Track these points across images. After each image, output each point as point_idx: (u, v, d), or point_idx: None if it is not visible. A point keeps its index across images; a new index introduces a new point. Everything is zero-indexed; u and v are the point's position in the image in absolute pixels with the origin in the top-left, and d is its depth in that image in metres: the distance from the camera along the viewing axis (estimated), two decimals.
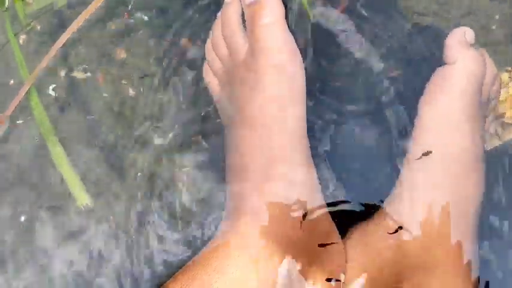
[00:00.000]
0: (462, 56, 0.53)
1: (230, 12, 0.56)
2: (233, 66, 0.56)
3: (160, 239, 0.62)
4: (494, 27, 0.65)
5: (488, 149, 0.62)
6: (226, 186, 0.56)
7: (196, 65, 0.64)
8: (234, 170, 0.55)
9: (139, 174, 0.63)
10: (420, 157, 0.53)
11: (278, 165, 0.52)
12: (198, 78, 0.64)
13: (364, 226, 0.56)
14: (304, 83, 0.53)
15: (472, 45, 0.55)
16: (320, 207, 0.54)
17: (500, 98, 0.63)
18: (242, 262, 0.49)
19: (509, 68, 0.64)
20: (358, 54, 0.65)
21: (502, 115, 0.64)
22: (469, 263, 0.51)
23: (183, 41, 0.65)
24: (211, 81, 0.60)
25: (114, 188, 0.63)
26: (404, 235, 0.52)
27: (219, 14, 0.58)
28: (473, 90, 0.53)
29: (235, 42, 0.55)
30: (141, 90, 0.65)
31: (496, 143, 0.63)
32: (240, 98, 0.54)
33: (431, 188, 0.52)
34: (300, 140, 0.53)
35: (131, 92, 0.65)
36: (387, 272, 0.52)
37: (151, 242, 0.61)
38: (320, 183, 0.55)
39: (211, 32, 0.60)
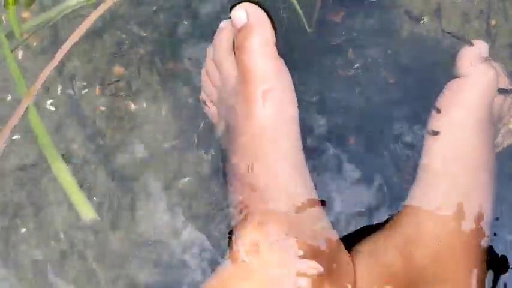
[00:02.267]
0: (475, 70, 0.53)
1: (221, 40, 0.55)
2: (225, 94, 0.55)
3: None
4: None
5: None
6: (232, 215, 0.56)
7: (191, 79, 0.64)
8: (234, 196, 0.55)
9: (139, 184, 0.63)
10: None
11: (275, 195, 0.51)
12: (193, 92, 0.65)
13: (373, 239, 0.56)
14: (296, 107, 0.53)
15: (485, 59, 0.55)
16: (325, 228, 0.54)
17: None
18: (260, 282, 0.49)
19: None
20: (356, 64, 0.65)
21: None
22: (479, 277, 0.51)
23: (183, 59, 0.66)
24: (208, 107, 0.60)
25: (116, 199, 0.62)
26: (415, 247, 0.52)
27: (213, 40, 0.58)
28: (486, 104, 0.53)
29: (226, 70, 0.54)
30: (144, 105, 0.65)
31: (497, 148, 0.64)
32: (234, 127, 0.54)
33: (442, 202, 0.52)
34: (297, 167, 0.53)
35: (131, 105, 0.65)
36: (396, 284, 0.52)
37: None
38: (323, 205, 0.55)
39: (206, 58, 0.59)
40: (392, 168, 0.63)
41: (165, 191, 0.63)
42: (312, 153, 0.62)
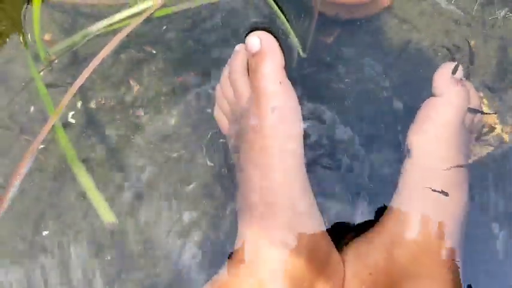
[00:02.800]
0: (448, 90, 0.59)
1: (237, 61, 0.62)
2: (238, 109, 0.62)
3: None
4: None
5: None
6: (238, 221, 0.62)
7: (199, 93, 0.72)
8: (242, 209, 0.61)
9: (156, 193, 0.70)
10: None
11: (280, 204, 0.57)
12: (200, 105, 0.72)
13: (360, 240, 0.62)
14: (301, 125, 0.59)
15: (459, 79, 0.61)
16: (321, 232, 0.60)
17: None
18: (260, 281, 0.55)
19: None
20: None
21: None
22: (455, 272, 0.57)
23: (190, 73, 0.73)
24: (221, 119, 0.67)
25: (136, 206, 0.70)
26: (397, 248, 0.59)
27: (229, 61, 0.64)
28: (458, 121, 0.59)
29: (240, 89, 0.61)
30: (154, 116, 0.72)
31: (472, 159, 0.70)
32: (245, 139, 0.60)
33: (421, 207, 0.59)
34: (299, 176, 0.58)
35: (143, 117, 0.72)
36: (382, 281, 0.58)
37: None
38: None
39: (221, 76, 0.66)
40: (382, 175, 0.70)
41: (172, 197, 0.70)
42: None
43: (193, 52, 0.73)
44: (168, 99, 0.72)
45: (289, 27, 0.66)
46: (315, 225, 0.59)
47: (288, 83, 0.59)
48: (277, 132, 0.57)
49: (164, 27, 0.74)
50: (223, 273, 0.58)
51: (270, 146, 0.57)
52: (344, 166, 0.70)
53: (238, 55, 0.62)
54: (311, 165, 0.69)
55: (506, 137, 0.70)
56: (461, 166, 0.60)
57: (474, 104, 0.63)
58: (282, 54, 0.59)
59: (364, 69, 0.72)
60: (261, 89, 0.58)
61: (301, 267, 0.57)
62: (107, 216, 0.55)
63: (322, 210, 0.61)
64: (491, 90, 0.71)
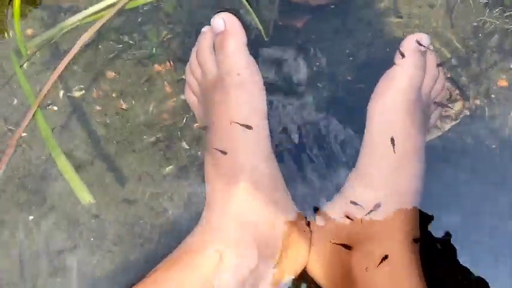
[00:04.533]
0: (407, 60, 0.62)
1: (204, 41, 0.66)
2: (206, 87, 0.65)
3: None
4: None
5: (428, 140, 0.73)
6: (206, 187, 0.65)
7: (175, 80, 0.75)
8: (210, 175, 0.64)
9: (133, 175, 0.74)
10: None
11: (245, 171, 0.61)
12: (177, 91, 0.75)
13: (325, 208, 0.66)
14: (265, 99, 0.63)
15: (424, 49, 0.64)
16: (286, 201, 0.64)
17: None
18: (213, 258, 0.58)
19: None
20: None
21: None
22: (409, 236, 0.61)
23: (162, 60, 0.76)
24: (191, 98, 0.71)
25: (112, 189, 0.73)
26: (357, 214, 0.62)
27: (197, 42, 0.68)
28: (413, 88, 0.62)
29: (207, 67, 0.65)
30: (133, 103, 0.76)
31: (436, 133, 0.73)
32: (212, 114, 0.64)
33: (377, 174, 0.62)
34: (263, 148, 0.62)
35: (122, 104, 0.76)
36: (345, 243, 0.62)
37: None
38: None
39: (190, 57, 0.69)
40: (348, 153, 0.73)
41: (151, 179, 0.74)
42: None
43: (167, 40, 0.76)
44: (146, 86, 0.76)
45: (251, 10, 0.69)
46: (280, 195, 0.63)
47: (251, 60, 0.62)
48: (240, 106, 0.61)
49: (140, 18, 0.77)
50: (192, 236, 0.62)
51: (235, 120, 0.61)
52: (315, 145, 0.73)
53: (205, 36, 0.66)
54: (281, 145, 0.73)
55: (467, 112, 0.73)
56: (417, 135, 0.63)
57: (433, 75, 0.66)
58: (245, 33, 0.62)
59: (335, 52, 0.75)
60: (225, 66, 0.62)
61: (266, 234, 0.61)
62: (85, 196, 0.59)
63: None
64: (456, 65, 0.74)
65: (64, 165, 0.60)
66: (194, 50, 0.68)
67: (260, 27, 0.71)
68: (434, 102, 0.68)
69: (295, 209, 0.65)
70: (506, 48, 0.74)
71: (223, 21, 0.63)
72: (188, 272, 0.57)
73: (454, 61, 0.74)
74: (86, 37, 0.66)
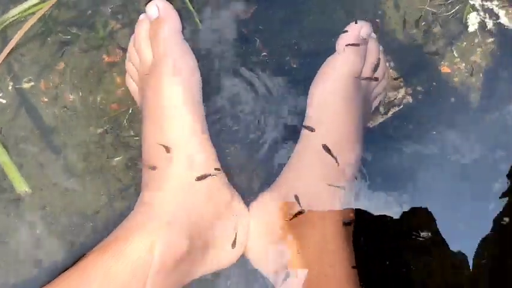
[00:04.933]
0: (347, 49, 0.64)
1: (140, 29, 0.66)
2: (144, 74, 0.66)
3: None
4: None
5: (372, 126, 0.74)
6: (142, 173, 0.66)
7: (123, 70, 0.76)
8: (145, 161, 0.65)
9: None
10: (307, 128, 0.63)
11: (178, 152, 0.61)
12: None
13: (265, 192, 0.67)
14: (199, 85, 0.64)
15: (365, 37, 0.65)
16: (220, 181, 0.64)
17: None
18: (143, 245, 0.57)
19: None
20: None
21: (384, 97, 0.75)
22: (342, 219, 0.62)
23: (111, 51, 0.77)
24: (131, 86, 0.71)
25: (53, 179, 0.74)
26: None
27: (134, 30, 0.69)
28: (352, 75, 0.63)
29: (143, 55, 0.66)
30: (80, 95, 0.76)
31: (380, 119, 0.74)
32: (148, 99, 0.64)
33: (315, 157, 0.63)
34: (197, 133, 0.62)
35: (70, 96, 0.76)
36: (280, 228, 0.63)
37: None
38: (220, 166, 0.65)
39: (129, 45, 0.70)
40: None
41: (100, 170, 0.75)
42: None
43: (115, 31, 0.77)
44: (95, 77, 0.76)
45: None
46: (217, 180, 0.64)
47: (186, 47, 0.63)
48: (174, 93, 0.62)
49: (89, 11, 0.77)
50: (125, 222, 0.62)
51: (168, 105, 0.61)
52: (256, 131, 0.74)
53: (142, 24, 0.66)
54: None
55: (410, 98, 0.74)
56: (354, 121, 0.64)
57: (374, 62, 0.67)
58: (179, 19, 0.63)
59: (280, 41, 0.76)
60: (160, 52, 0.62)
61: (200, 219, 0.61)
62: (21, 186, 0.59)
63: None
64: (399, 53, 0.75)
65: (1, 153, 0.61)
66: (132, 38, 0.69)
67: (194, 13, 0.71)
68: (366, 78, 0.69)
69: (234, 193, 0.66)
70: (448, 35, 0.75)
71: (157, 8, 0.63)
72: (116, 259, 0.56)
73: (397, 49, 0.75)
74: (22, 31, 0.66)
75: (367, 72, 0.66)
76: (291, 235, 0.61)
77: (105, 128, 0.75)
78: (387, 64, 0.73)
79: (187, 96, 0.62)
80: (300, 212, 0.61)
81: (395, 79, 0.73)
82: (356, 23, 0.66)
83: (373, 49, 0.67)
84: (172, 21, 0.63)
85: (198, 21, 0.73)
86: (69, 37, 0.77)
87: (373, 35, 0.66)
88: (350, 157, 0.64)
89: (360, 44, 0.64)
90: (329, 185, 0.62)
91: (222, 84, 0.74)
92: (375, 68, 0.68)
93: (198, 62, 0.66)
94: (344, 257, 0.59)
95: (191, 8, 0.71)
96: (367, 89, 0.67)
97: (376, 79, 0.67)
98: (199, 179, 0.61)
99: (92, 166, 0.74)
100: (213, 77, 0.74)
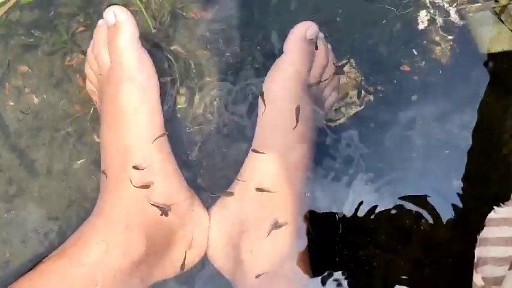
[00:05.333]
0: (293, 49, 0.64)
1: (98, 35, 0.66)
2: (102, 79, 0.66)
3: None
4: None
5: (334, 125, 0.74)
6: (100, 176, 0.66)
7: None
8: (102, 165, 0.65)
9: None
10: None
11: (134, 157, 0.61)
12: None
13: (225, 193, 0.67)
14: (157, 91, 0.64)
15: (312, 37, 0.64)
16: (180, 187, 0.65)
17: (343, 82, 0.75)
18: (98, 249, 0.58)
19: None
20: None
21: (345, 96, 0.75)
22: (295, 217, 0.63)
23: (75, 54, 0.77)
24: (91, 91, 0.71)
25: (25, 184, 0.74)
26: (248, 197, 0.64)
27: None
28: (299, 77, 0.64)
29: (101, 60, 0.66)
30: (44, 96, 0.76)
31: (341, 119, 0.75)
32: (105, 105, 0.64)
33: (266, 162, 0.63)
34: (155, 135, 0.62)
35: (34, 98, 0.76)
36: (237, 229, 0.63)
37: None
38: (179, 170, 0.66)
39: (87, 51, 0.70)
40: None
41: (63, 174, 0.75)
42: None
43: (78, 33, 0.77)
44: (58, 80, 0.76)
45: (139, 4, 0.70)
46: (173, 180, 0.64)
47: (143, 52, 0.63)
48: (130, 99, 0.62)
49: (51, 13, 0.77)
50: (82, 226, 0.62)
51: (124, 111, 0.62)
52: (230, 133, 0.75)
53: (99, 29, 0.66)
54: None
55: (371, 97, 0.75)
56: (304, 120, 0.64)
57: (322, 62, 0.67)
58: (136, 26, 0.63)
59: (245, 41, 0.76)
60: (117, 58, 0.62)
61: (158, 223, 0.61)
62: None
63: None
64: (359, 52, 0.76)
65: None
66: (91, 44, 0.69)
67: (149, 20, 0.71)
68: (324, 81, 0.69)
69: (194, 196, 0.66)
70: (408, 34, 0.75)
71: (114, 14, 0.63)
72: (72, 263, 0.57)
73: (358, 48, 0.76)
74: None
75: (315, 72, 0.67)
76: (246, 235, 0.62)
77: (68, 130, 0.75)
78: (348, 63, 0.73)
79: (144, 101, 0.62)
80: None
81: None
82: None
83: (321, 49, 0.67)
84: (129, 27, 0.63)
85: (151, 25, 0.73)
86: (32, 40, 0.77)
87: (321, 34, 0.66)
88: (297, 157, 0.64)
89: (307, 43, 0.64)
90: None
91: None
92: (324, 68, 0.68)
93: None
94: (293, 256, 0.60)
95: (142, 8, 0.71)
96: (317, 89, 0.68)
97: (320, 82, 0.68)
98: (141, 187, 0.61)
99: (55, 169, 0.74)
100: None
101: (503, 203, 0.56)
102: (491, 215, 0.56)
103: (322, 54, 0.66)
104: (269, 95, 0.64)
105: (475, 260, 0.54)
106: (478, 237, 0.56)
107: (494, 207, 0.57)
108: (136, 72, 0.62)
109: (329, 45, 0.69)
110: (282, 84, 0.63)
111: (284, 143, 0.63)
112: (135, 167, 0.61)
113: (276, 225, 0.60)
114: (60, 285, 0.56)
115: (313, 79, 0.67)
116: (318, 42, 0.66)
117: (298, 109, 0.62)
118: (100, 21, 0.67)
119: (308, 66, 0.64)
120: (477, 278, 0.53)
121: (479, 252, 0.55)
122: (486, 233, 0.55)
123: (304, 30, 0.64)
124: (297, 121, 0.62)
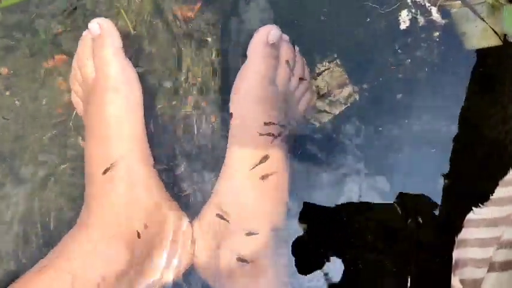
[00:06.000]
0: (255, 55, 0.63)
1: (83, 47, 0.66)
2: (87, 91, 0.66)
3: None
4: None
5: (318, 125, 0.73)
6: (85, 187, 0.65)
7: (66, 76, 0.75)
8: (86, 176, 0.64)
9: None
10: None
11: (118, 168, 0.61)
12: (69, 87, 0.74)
13: (207, 202, 0.66)
14: (141, 101, 0.63)
15: (274, 41, 0.63)
16: (160, 198, 0.64)
17: (327, 81, 0.74)
18: (80, 262, 0.58)
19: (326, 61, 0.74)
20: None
21: (327, 95, 0.74)
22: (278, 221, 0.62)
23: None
24: (76, 102, 0.71)
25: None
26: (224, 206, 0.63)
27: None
28: (264, 83, 0.63)
29: (85, 72, 0.65)
30: (26, 99, 0.75)
31: (326, 118, 0.74)
32: (89, 116, 0.64)
33: (239, 171, 0.63)
34: (138, 147, 0.62)
35: (16, 101, 0.75)
36: (220, 236, 0.63)
37: None
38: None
39: (73, 62, 0.70)
40: None
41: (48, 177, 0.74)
42: None
43: (60, 35, 0.76)
44: (39, 82, 0.75)
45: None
46: (156, 191, 0.63)
47: (127, 63, 0.63)
48: (115, 110, 0.62)
49: (34, 14, 0.76)
50: (67, 237, 0.62)
51: (108, 122, 0.61)
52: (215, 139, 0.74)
53: (84, 40, 0.66)
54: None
55: (356, 96, 0.74)
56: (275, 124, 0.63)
57: (288, 66, 0.66)
58: (119, 36, 0.63)
59: (230, 39, 0.75)
60: (100, 70, 0.63)
61: (142, 236, 0.61)
62: None
63: None
64: (344, 51, 0.75)
65: None
66: (76, 55, 0.68)
67: (129, 23, 0.71)
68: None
69: (176, 208, 0.66)
70: (392, 32, 0.75)
71: (98, 25, 0.63)
72: (57, 275, 0.56)
73: (342, 47, 0.75)
74: None
75: (281, 75, 0.65)
76: (224, 248, 0.62)
77: (53, 133, 0.74)
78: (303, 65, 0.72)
79: (128, 112, 0.62)
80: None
81: (342, 77, 0.73)
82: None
83: (286, 51, 0.66)
84: (113, 38, 0.63)
85: (131, 28, 0.72)
86: (13, 42, 0.76)
87: (285, 36, 0.65)
88: (271, 164, 0.63)
89: (269, 48, 0.63)
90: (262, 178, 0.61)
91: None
92: (292, 70, 0.67)
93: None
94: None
95: (125, 16, 0.71)
96: (287, 93, 0.67)
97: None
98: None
99: (39, 174, 0.73)
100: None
101: (482, 204, 0.55)
102: (470, 216, 0.55)
103: (288, 57, 0.65)
104: (237, 102, 0.63)
105: (453, 262, 0.53)
106: (457, 239, 0.55)
107: (473, 208, 0.56)
108: (120, 82, 0.62)
109: (296, 48, 0.68)
110: (248, 93, 0.63)
111: (256, 148, 0.62)
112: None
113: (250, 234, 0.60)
114: None
115: (280, 83, 0.66)
116: (282, 44, 0.65)
117: (265, 158, 0.62)
118: (84, 33, 0.67)
119: (273, 71, 0.63)
120: (455, 281, 0.52)
121: (457, 254, 0.54)
122: (465, 234, 0.54)
123: (266, 34, 0.63)
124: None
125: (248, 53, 0.64)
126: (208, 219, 0.64)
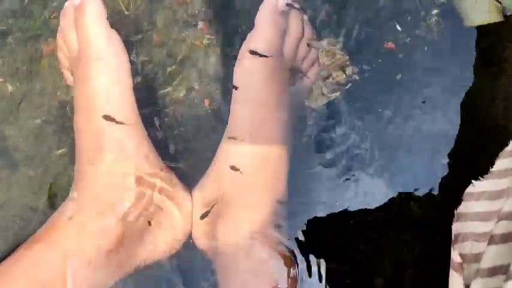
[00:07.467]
0: (262, 23, 0.61)
1: (64, 18, 0.64)
2: (73, 62, 0.64)
3: None
4: None
5: (317, 106, 0.72)
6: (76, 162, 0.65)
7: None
8: (76, 150, 0.63)
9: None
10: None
11: (107, 142, 0.60)
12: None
13: (204, 175, 0.66)
14: (128, 70, 0.62)
15: (283, 10, 0.61)
16: (159, 168, 0.63)
17: (327, 63, 0.73)
18: (70, 236, 0.57)
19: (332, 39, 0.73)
20: None
21: (328, 77, 0.73)
22: (276, 198, 0.61)
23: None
24: (65, 74, 0.70)
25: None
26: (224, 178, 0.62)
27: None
28: (270, 52, 0.61)
29: (70, 43, 0.64)
30: (18, 85, 0.74)
31: (325, 100, 0.73)
32: (77, 87, 0.63)
33: (243, 131, 0.61)
34: (128, 116, 0.61)
35: (9, 86, 0.74)
36: (215, 211, 0.63)
37: None
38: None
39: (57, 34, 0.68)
40: None
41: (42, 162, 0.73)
42: None
43: (54, 19, 0.75)
44: (34, 67, 0.74)
45: None
46: (149, 162, 0.62)
47: (111, 32, 0.61)
48: (100, 80, 0.60)
49: (26, 1, 0.76)
50: (57, 212, 0.61)
51: (95, 92, 0.60)
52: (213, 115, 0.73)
53: (66, 12, 0.64)
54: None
55: (356, 77, 0.73)
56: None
57: (296, 35, 0.64)
58: (102, 4, 0.61)
59: (227, 27, 0.74)
60: (84, 40, 0.61)
61: (138, 209, 0.60)
62: None
63: None
64: (343, 32, 0.73)
65: None
66: (59, 27, 0.67)
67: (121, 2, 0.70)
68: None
69: (172, 176, 0.65)
70: (392, 11, 0.73)
71: None
72: (48, 248, 0.56)
73: (342, 27, 0.74)
74: None
75: (290, 46, 0.64)
76: (223, 221, 0.61)
77: (47, 118, 0.73)
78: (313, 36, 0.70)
79: (115, 82, 0.61)
80: None
81: (342, 57, 0.72)
82: None
83: (294, 21, 0.64)
84: (95, 6, 0.61)
85: (124, 7, 0.71)
86: (5, 28, 0.75)
87: (296, 4, 0.64)
88: (273, 137, 0.62)
89: (278, 16, 0.61)
90: None
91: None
92: (299, 41, 0.65)
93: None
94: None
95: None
96: (292, 63, 0.65)
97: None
98: None
99: (35, 159, 0.72)
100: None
101: (482, 177, 0.54)
102: (470, 189, 0.54)
103: (296, 26, 0.64)
104: (240, 74, 0.62)
105: (452, 236, 0.52)
106: (456, 212, 0.54)
107: (473, 181, 0.55)
108: (105, 51, 0.60)
109: (305, 17, 0.66)
110: (253, 61, 0.61)
111: (257, 119, 0.61)
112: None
113: None
114: (34, 270, 0.55)
115: (288, 53, 0.64)
116: (291, 13, 0.63)
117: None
118: (67, 3, 0.65)
119: (281, 39, 0.62)
120: (455, 255, 0.51)
121: (457, 227, 0.53)
122: (464, 207, 0.53)
123: (275, 1, 0.61)
124: None
125: (256, 20, 0.61)
126: (206, 189, 0.64)
